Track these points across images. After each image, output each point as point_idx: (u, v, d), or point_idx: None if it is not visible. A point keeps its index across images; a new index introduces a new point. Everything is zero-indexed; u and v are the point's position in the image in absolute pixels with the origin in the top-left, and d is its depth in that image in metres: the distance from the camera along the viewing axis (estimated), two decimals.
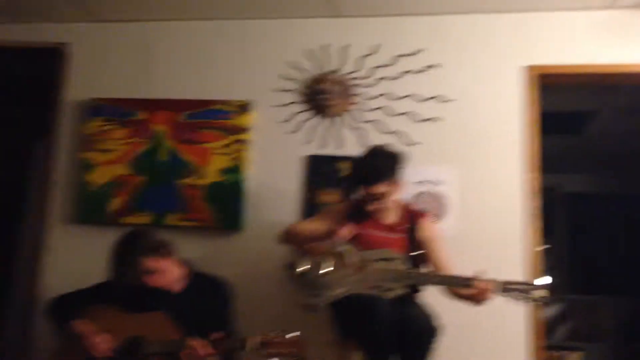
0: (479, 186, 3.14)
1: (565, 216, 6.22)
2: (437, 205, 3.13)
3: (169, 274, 2.64)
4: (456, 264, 2.58)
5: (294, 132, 3.33)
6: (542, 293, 2.36)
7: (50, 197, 3.41)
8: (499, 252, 3.03)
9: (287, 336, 2.30)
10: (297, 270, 2.63)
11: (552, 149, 3.67)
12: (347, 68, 3.33)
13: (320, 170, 3.24)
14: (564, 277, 5.89)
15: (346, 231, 2.51)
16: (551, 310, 5.80)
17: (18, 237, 3.80)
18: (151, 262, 2.56)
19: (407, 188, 2.82)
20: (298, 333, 2.31)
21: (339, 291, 2.56)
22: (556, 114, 4.40)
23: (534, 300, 2.38)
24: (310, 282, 2.62)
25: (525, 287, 2.37)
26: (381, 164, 2.58)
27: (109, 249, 2.68)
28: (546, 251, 3.29)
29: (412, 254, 2.61)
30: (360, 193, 2.62)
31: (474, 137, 3.19)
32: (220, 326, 2.57)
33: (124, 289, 2.60)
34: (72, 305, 2.68)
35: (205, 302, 2.67)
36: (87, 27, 3.55)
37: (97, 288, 2.77)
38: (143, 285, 2.61)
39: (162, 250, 2.62)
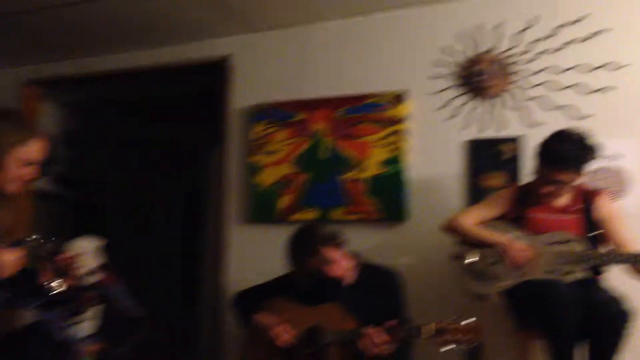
0: None
1: None
2: (616, 181, 2.88)
3: (343, 264, 2.70)
4: None
5: (452, 117, 3.25)
6: None
7: (225, 200, 3.67)
8: None
9: (463, 323, 2.26)
10: (466, 261, 2.57)
11: None
12: (503, 46, 3.19)
13: (483, 154, 3.13)
14: None
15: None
16: None
17: (202, 239, 4.14)
18: (328, 252, 2.63)
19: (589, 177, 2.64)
20: (474, 319, 2.26)
21: (512, 279, 2.46)
22: None
23: None
24: (479, 272, 2.55)
25: None
26: (575, 152, 2.41)
27: (280, 245, 2.82)
28: None
29: (589, 234, 2.43)
30: (542, 175, 2.49)
31: None
32: (393, 315, 2.57)
33: (301, 282, 2.71)
34: (254, 299, 2.85)
35: (377, 292, 2.69)
36: (246, 38, 3.75)
37: (277, 282, 2.91)
38: (320, 276, 2.69)
39: (337, 240, 2.70)
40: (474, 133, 3.19)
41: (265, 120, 3.61)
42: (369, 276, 2.76)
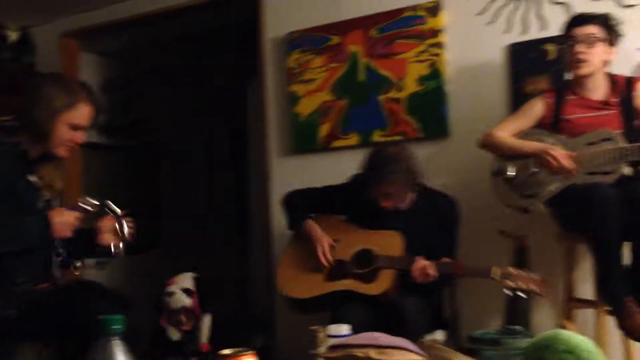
0: None
1: None
2: None
3: (401, 200, 2.57)
4: None
5: (491, 22, 3.05)
6: None
7: (266, 132, 3.63)
8: None
9: (533, 275, 2.25)
10: (506, 175, 2.49)
11: None
12: None
13: (526, 57, 2.94)
14: None
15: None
16: None
17: (246, 171, 4.17)
18: (391, 188, 2.49)
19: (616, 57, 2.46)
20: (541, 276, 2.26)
21: (553, 187, 2.36)
22: None
23: None
24: (521, 184, 2.47)
25: None
26: (589, 14, 2.37)
27: (323, 173, 2.75)
28: None
29: (631, 127, 2.28)
30: (568, 44, 2.41)
31: None
32: (445, 246, 2.53)
33: (364, 202, 2.57)
34: (307, 201, 2.77)
35: (433, 220, 2.58)
36: None
37: (335, 190, 2.79)
38: (377, 205, 2.57)
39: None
40: (515, 36, 3.00)
41: (299, 48, 3.51)
42: (427, 201, 2.63)
